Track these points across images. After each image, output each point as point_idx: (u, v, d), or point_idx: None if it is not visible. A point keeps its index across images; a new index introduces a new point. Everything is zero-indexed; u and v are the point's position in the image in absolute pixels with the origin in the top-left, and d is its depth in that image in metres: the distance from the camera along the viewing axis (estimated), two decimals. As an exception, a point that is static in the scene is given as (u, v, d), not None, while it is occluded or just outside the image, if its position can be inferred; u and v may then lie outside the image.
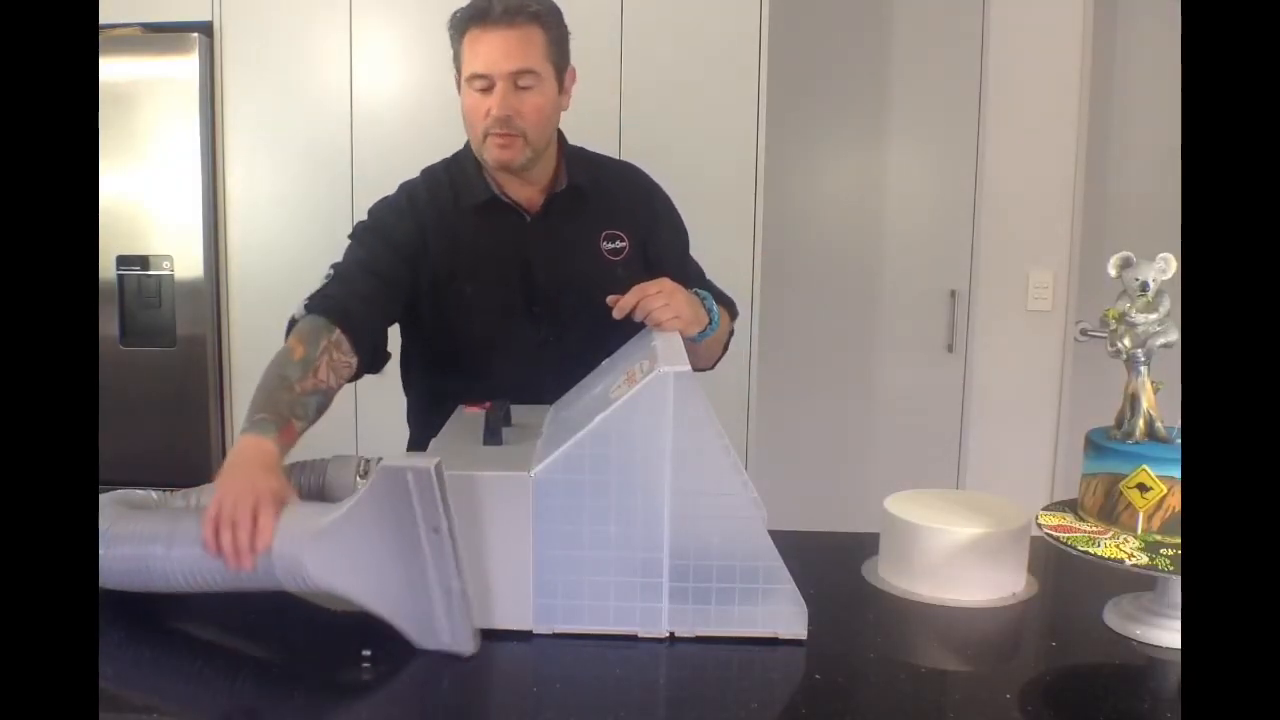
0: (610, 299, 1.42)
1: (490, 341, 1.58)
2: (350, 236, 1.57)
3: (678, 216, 1.72)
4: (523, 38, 1.46)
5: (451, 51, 1.53)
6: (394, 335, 1.63)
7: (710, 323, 1.49)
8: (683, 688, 1.08)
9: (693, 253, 1.74)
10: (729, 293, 1.71)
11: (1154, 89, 3.15)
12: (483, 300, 1.57)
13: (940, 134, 3.22)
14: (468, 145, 1.60)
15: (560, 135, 1.62)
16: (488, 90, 1.47)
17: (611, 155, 1.75)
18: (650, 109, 2.64)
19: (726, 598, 1.11)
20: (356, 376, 1.48)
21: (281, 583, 1.12)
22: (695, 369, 1.44)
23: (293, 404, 1.29)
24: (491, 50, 1.46)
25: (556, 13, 1.53)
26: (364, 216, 1.61)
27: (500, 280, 1.57)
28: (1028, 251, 3.16)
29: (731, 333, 1.71)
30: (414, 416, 1.70)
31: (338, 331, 1.40)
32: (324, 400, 1.37)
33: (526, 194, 1.59)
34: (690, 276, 1.67)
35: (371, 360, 1.51)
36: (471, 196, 1.57)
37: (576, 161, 1.63)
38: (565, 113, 1.58)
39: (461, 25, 1.49)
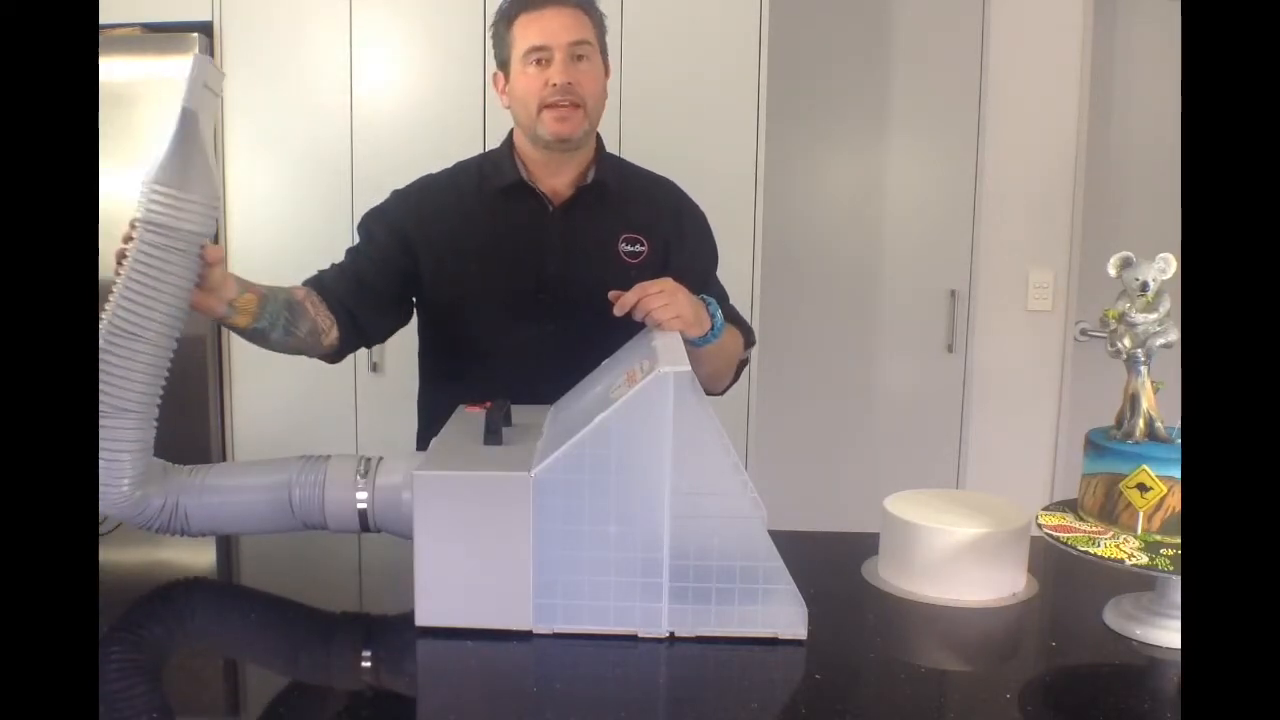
0: (612, 294, 1.42)
1: (492, 324, 1.59)
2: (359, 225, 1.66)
3: (709, 238, 1.72)
4: (575, 15, 1.54)
5: (493, 44, 1.59)
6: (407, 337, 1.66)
7: (712, 328, 1.49)
8: (683, 688, 1.08)
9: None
10: (737, 303, 1.72)
11: (1154, 89, 3.15)
12: (490, 284, 1.58)
13: (940, 134, 3.22)
14: (506, 139, 1.65)
15: (598, 135, 1.65)
16: (544, 64, 1.52)
17: (626, 159, 1.75)
18: (650, 109, 2.64)
19: (726, 598, 1.11)
20: (343, 345, 1.56)
21: None
22: (706, 391, 1.46)
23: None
24: (549, 24, 1.52)
25: (598, 9, 1.60)
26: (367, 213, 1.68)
27: (511, 266, 1.59)
28: (1028, 251, 3.16)
29: (745, 361, 1.71)
30: (421, 398, 1.73)
31: (315, 294, 1.51)
32: (294, 301, 1.45)
33: (554, 184, 1.61)
34: (714, 297, 1.67)
35: (351, 330, 1.55)
36: (499, 179, 1.61)
37: (609, 162, 1.66)
38: None
39: (511, 13, 1.55)
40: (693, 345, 1.46)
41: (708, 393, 1.54)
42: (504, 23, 1.56)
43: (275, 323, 1.40)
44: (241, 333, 1.38)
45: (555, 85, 1.51)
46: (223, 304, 1.29)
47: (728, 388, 1.69)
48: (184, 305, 1.20)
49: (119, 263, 1.19)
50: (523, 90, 1.54)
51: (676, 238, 1.65)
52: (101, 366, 1.17)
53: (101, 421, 1.17)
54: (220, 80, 1.22)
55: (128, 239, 1.18)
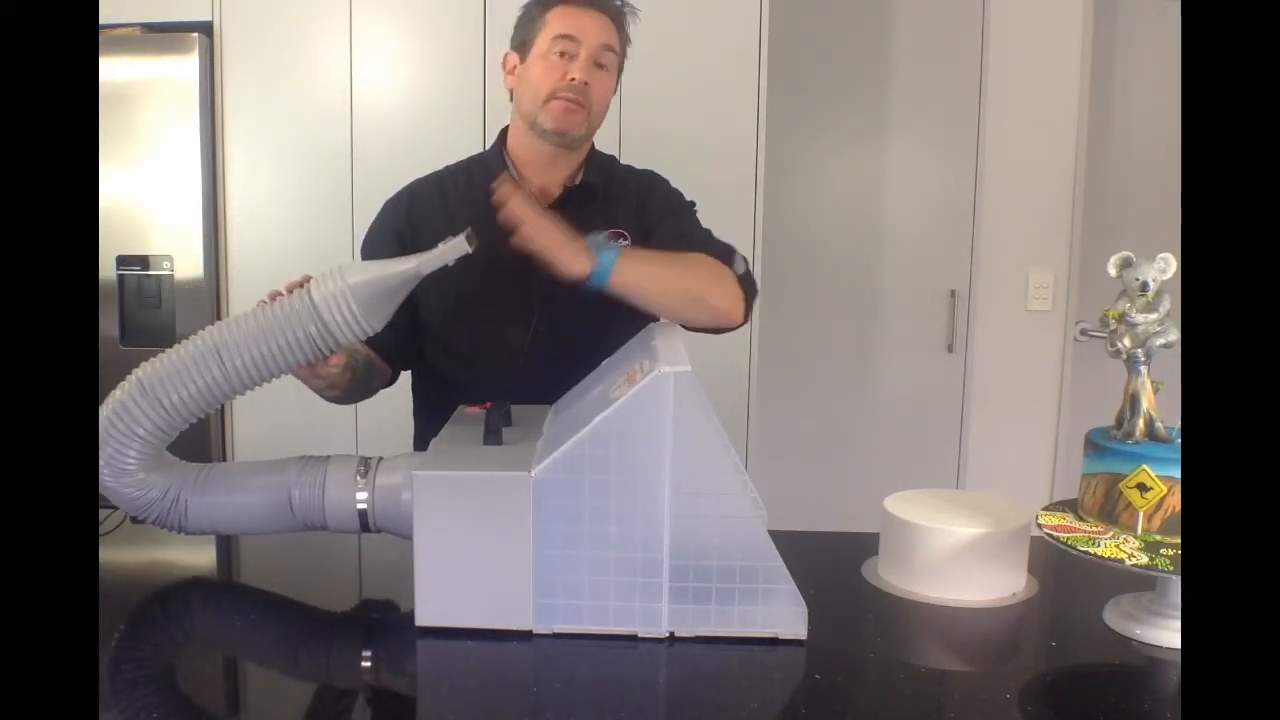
0: (501, 195, 1.40)
1: (481, 329, 1.59)
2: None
3: (676, 194, 1.69)
4: (609, 22, 1.57)
5: (517, 25, 1.60)
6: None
7: (596, 273, 1.39)
8: (683, 688, 1.08)
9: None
10: None
11: (1154, 89, 3.15)
12: (477, 287, 1.58)
13: (940, 134, 3.22)
14: (496, 140, 1.65)
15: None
16: (568, 57, 1.53)
17: (614, 156, 1.75)
18: (650, 109, 2.64)
19: (726, 598, 1.11)
20: (391, 379, 1.67)
21: None
22: (700, 322, 1.47)
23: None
24: (584, 19, 1.54)
25: (627, 30, 1.62)
26: (365, 216, 1.69)
27: (499, 268, 1.58)
28: (1028, 251, 3.16)
29: (744, 278, 1.57)
30: (416, 402, 1.73)
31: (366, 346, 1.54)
32: (370, 360, 1.55)
33: (542, 184, 1.62)
34: (697, 241, 1.59)
35: (393, 361, 1.64)
36: (487, 180, 1.59)
37: (598, 164, 1.66)
38: None
39: (548, 1, 1.56)
40: (585, 288, 1.40)
41: (705, 326, 1.51)
42: (539, 6, 1.57)
43: (357, 389, 1.51)
44: (326, 398, 1.46)
45: (573, 80, 1.52)
46: (321, 382, 1.36)
47: (741, 313, 1.55)
48: (277, 371, 1.23)
49: (269, 298, 1.24)
50: (538, 75, 1.55)
51: (649, 216, 1.63)
52: (172, 356, 1.20)
53: (133, 396, 1.18)
54: (462, 255, 1.25)
55: (291, 289, 1.23)
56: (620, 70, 1.62)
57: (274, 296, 1.24)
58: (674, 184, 1.72)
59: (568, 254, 1.38)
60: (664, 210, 1.67)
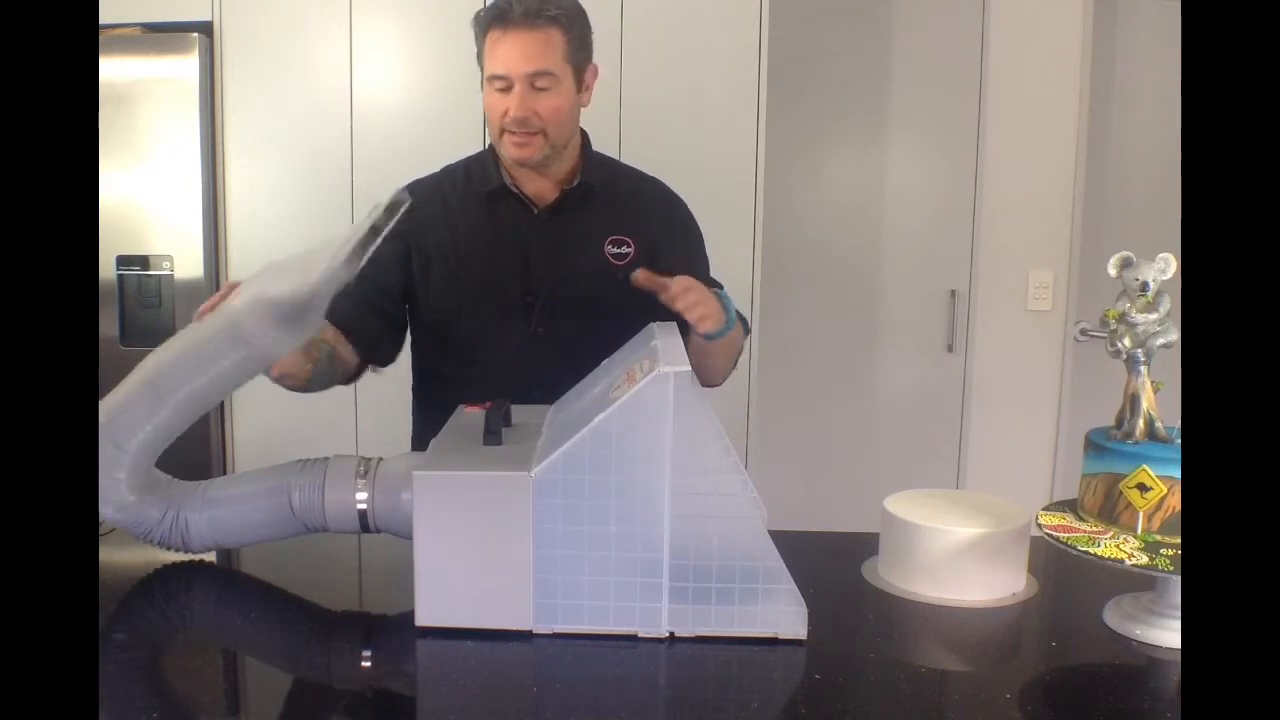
0: (642, 275, 1.41)
1: (480, 329, 1.59)
2: None
3: (698, 237, 1.71)
4: (542, 40, 1.49)
5: (475, 49, 1.57)
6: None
7: (727, 321, 1.48)
8: (683, 688, 1.08)
9: (695, 252, 1.73)
10: (734, 301, 1.72)
11: (1154, 89, 3.15)
12: (477, 289, 1.58)
13: (940, 134, 3.22)
14: (490, 146, 1.64)
15: (584, 135, 1.64)
16: (506, 90, 1.51)
17: (614, 158, 1.75)
18: (650, 109, 2.64)
19: (726, 598, 1.11)
20: (358, 372, 1.60)
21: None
22: (706, 384, 1.44)
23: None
24: (510, 52, 1.49)
25: (578, 11, 1.55)
26: (365, 216, 1.66)
27: (497, 269, 1.58)
28: (1028, 251, 3.17)
29: (740, 349, 1.71)
30: (415, 400, 1.73)
31: (340, 333, 1.53)
32: (335, 355, 1.51)
33: (538, 188, 1.61)
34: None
35: (369, 357, 1.60)
36: (484, 184, 1.61)
37: (595, 163, 1.65)
38: None
39: (484, 25, 1.52)
40: (707, 340, 1.45)
41: (709, 385, 1.54)
42: (479, 29, 1.54)
43: (319, 379, 1.48)
44: (285, 388, 1.44)
45: (513, 117, 1.50)
46: (278, 371, 1.36)
47: (724, 378, 1.69)
48: (224, 395, 1.23)
49: (196, 317, 1.22)
50: (488, 109, 1.55)
51: (665, 236, 1.64)
52: (119, 396, 1.19)
53: (116, 420, 1.18)
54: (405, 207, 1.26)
55: (223, 297, 1.22)
56: (581, 70, 1.55)
57: (201, 316, 1.22)
58: (674, 185, 1.72)
59: (716, 309, 1.42)
60: (689, 250, 1.68)
